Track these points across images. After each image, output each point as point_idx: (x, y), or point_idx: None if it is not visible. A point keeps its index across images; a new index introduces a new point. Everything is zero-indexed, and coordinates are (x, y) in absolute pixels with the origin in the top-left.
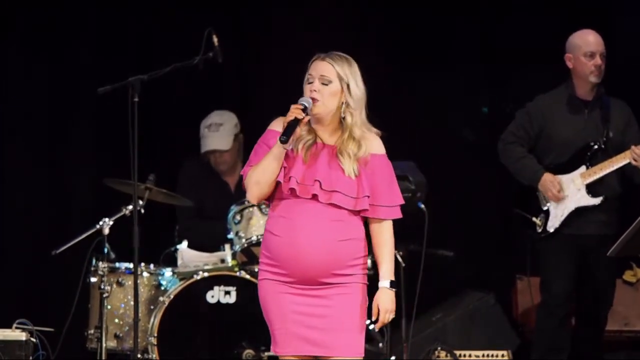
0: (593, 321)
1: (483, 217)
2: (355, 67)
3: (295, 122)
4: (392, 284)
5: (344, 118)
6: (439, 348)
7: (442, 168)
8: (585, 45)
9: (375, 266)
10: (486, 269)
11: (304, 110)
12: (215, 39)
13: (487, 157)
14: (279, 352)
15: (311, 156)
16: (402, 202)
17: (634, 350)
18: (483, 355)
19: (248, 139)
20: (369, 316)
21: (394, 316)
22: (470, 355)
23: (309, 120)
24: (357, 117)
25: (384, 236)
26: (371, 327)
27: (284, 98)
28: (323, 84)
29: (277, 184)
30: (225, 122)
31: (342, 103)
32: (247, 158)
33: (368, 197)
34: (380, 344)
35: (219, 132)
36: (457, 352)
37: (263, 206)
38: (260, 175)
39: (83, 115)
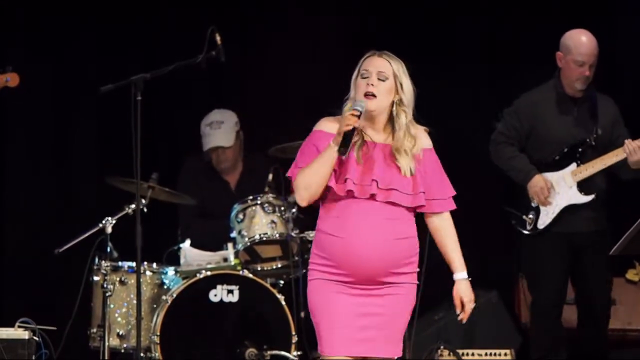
0: (594, 319)
1: (486, 215)
2: (404, 67)
3: (352, 132)
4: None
5: (396, 116)
6: (442, 347)
7: (445, 166)
8: (577, 53)
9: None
10: (489, 267)
11: (359, 116)
12: (218, 38)
13: (489, 155)
14: (327, 352)
15: (364, 156)
16: (454, 193)
17: (638, 349)
18: (486, 354)
19: (249, 137)
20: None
21: (474, 304)
22: (473, 354)
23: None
24: (410, 115)
25: (448, 229)
26: (459, 319)
27: (284, 97)
28: (380, 79)
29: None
30: (226, 119)
31: (394, 101)
32: (247, 156)
33: (423, 193)
34: None
35: (221, 129)
36: (460, 351)
37: (266, 205)
38: (310, 180)
39: (86, 114)
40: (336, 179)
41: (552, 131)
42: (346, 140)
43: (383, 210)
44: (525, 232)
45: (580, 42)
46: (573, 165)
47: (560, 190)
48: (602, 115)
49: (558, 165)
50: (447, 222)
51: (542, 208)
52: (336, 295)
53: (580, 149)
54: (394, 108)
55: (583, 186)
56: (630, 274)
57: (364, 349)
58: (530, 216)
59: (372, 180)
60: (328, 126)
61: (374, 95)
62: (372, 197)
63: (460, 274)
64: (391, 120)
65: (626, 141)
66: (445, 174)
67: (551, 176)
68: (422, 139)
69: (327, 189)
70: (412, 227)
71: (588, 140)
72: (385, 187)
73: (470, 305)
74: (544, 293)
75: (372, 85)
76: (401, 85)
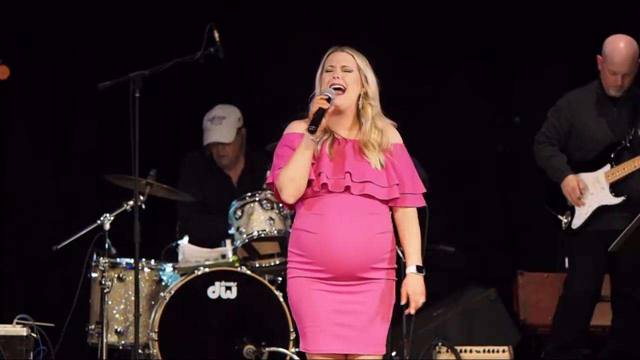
0: (624, 317)
1: (484, 212)
2: (367, 61)
3: (322, 112)
4: (419, 269)
5: (362, 109)
6: (440, 344)
7: (444, 163)
8: (610, 62)
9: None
10: (487, 264)
11: (328, 100)
12: (216, 34)
13: (490, 153)
14: (310, 349)
15: (336, 152)
16: (424, 190)
17: None
18: (484, 351)
19: (249, 134)
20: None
21: (424, 300)
22: (471, 351)
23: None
24: (376, 108)
25: (411, 224)
26: (406, 311)
27: (284, 93)
28: (346, 71)
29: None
30: (228, 115)
31: (360, 95)
32: (249, 152)
33: (397, 185)
34: None
35: (221, 124)
36: (458, 348)
37: (264, 201)
38: (293, 172)
39: (85, 111)
40: (313, 172)
41: (589, 131)
42: (315, 120)
43: (361, 205)
44: (562, 231)
45: (614, 50)
46: (607, 167)
47: (594, 191)
48: None
49: (594, 165)
50: (412, 217)
51: (576, 209)
52: (314, 292)
53: (615, 151)
54: (360, 102)
55: (616, 188)
56: None
57: (345, 346)
58: (566, 216)
59: (346, 172)
60: (296, 127)
61: (341, 90)
62: (347, 189)
63: (410, 268)
64: (359, 116)
65: None
66: (416, 170)
67: (586, 177)
68: (391, 133)
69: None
70: (389, 221)
71: (624, 141)
72: (359, 179)
73: (416, 298)
74: (573, 289)
75: (339, 77)
76: (366, 78)
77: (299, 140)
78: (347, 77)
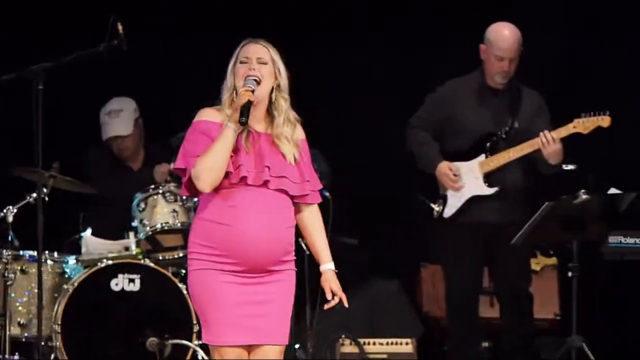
0: (512, 310)
1: (388, 204)
2: (279, 53)
3: (249, 104)
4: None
5: (275, 102)
6: (343, 336)
7: (346, 155)
8: (497, 48)
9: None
10: (391, 256)
11: (252, 92)
12: (120, 27)
13: (393, 144)
14: (216, 341)
15: (251, 146)
16: (321, 186)
17: (542, 338)
18: (387, 343)
19: (148, 125)
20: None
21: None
22: (374, 343)
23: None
24: (288, 101)
25: (318, 221)
26: (326, 306)
27: (186, 84)
28: (261, 63)
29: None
30: (124, 107)
31: (273, 87)
32: (147, 144)
33: (309, 181)
34: None
35: (119, 117)
36: (362, 340)
37: (167, 194)
38: (212, 162)
39: None
40: (232, 164)
41: (467, 121)
42: (244, 112)
43: (275, 199)
44: (433, 220)
45: (500, 36)
46: (482, 157)
47: (468, 181)
48: (524, 108)
49: (468, 155)
50: (317, 215)
51: (449, 198)
52: (223, 285)
53: (490, 141)
54: (274, 94)
55: (490, 178)
56: (532, 264)
57: (253, 337)
58: (438, 204)
59: (265, 166)
60: (211, 115)
61: (257, 82)
62: (265, 184)
63: (329, 265)
64: (270, 108)
65: (541, 133)
66: (320, 164)
67: (461, 166)
68: (299, 129)
69: None
70: (293, 215)
71: (499, 132)
72: (277, 174)
73: (341, 293)
74: (455, 284)
75: (255, 69)
76: (279, 70)
77: (216, 129)
78: (263, 69)
